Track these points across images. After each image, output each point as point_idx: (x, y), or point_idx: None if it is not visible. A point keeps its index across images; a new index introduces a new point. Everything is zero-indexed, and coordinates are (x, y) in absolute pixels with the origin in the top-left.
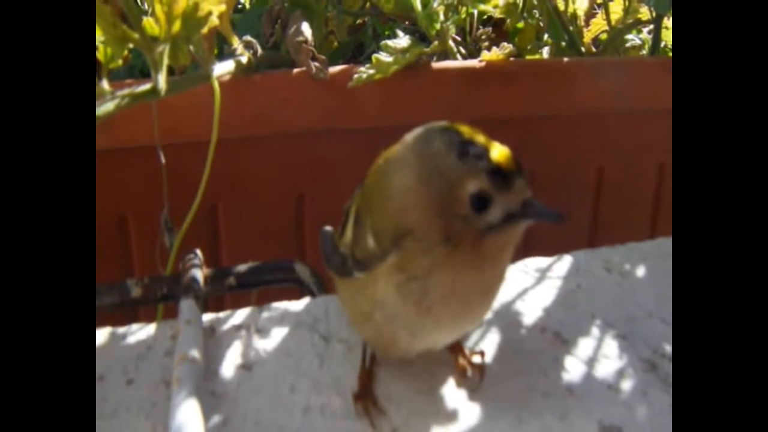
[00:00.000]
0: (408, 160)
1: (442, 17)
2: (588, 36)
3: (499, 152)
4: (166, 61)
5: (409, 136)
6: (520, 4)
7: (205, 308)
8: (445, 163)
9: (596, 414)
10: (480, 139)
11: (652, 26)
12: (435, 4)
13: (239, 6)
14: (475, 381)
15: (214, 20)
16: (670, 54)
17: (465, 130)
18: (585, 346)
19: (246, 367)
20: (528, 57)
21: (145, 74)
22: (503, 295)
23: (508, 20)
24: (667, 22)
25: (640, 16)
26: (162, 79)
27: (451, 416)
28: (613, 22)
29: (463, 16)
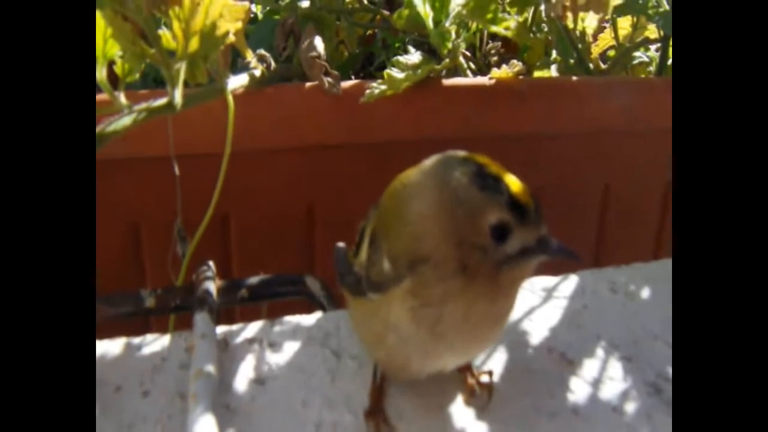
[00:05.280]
0: (427, 187)
1: (453, 35)
2: (596, 51)
3: (518, 187)
4: (182, 78)
5: (428, 163)
6: (530, 20)
7: (217, 320)
8: (466, 193)
9: None
10: (501, 172)
11: (659, 44)
12: (447, 23)
13: (252, 15)
14: (483, 400)
15: (231, 38)
16: None
17: (484, 161)
18: (590, 367)
19: (259, 381)
20: (537, 73)
21: (158, 83)
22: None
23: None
24: None
25: (647, 33)
26: (178, 95)
27: None
28: (621, 39)
29: (474, 31)
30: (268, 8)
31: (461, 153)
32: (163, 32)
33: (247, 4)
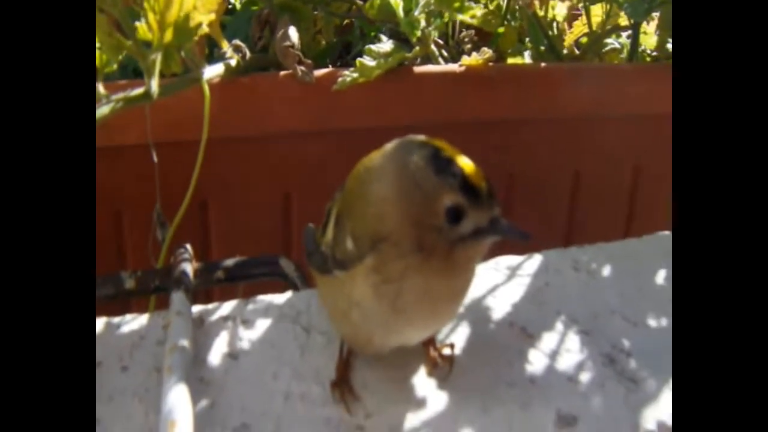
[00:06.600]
0: (387, 171)
1: (423, 24)
2: (570, 38)
3: (471, 170)
4: (158, 68)
5: (389, 147)
6: (504, 7)
7: (195, 300)
8: (423, 177)
9: (555, 403)
10: (456, 156)
11: (631, 31)
12: (416, 12)
13: (230, 6)
14: (445, 371)
15: (204, 29)
16: (648, 58)
17: (442, 146)
18: (549, 340)
19: (232, 356)
20: (510, 60)
21: (137, 73)
22: (475, 291)
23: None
24: (646, 27)
25: (619, 20)
26: (154, 84)
27: (421, 403)
28: (594, 26)
29: (446, 20)
30: None
31: (420, 137)
32: (139, 24)
33: None
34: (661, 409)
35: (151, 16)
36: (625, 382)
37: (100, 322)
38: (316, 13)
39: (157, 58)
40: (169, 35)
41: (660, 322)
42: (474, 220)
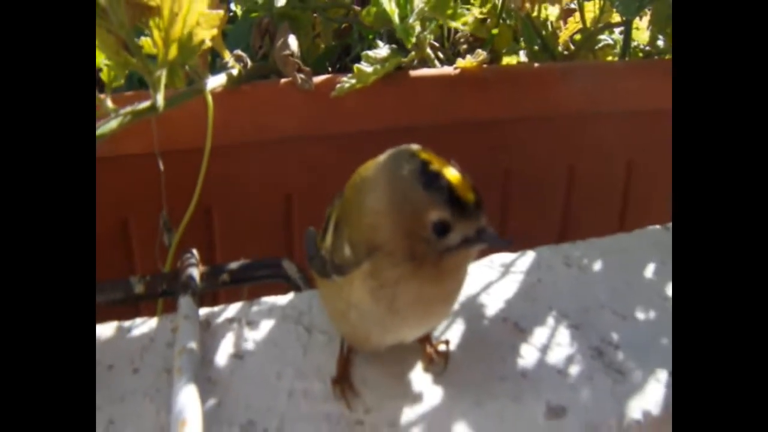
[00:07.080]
0: (380, 183)
1: (418, 29)
2: (565, 35)
3: (459, 183)
4: (163, 82)
5: (382, 159)
6: (499, 6)
7: (201, 302)
8: (412, 192)
9: (545, 396)
10: (443, 169)
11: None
12: (411, 19)
13: (230, 14)
14: (440, 367)
15: (207, 43)
16: (641, 54)
17: (430, 158)
18: (540, 335)
19: (238, 356)
20: (505, 59)
21: (142, 83)
22: (469, 288)
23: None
24: (638, 22)
25: (612, 17)
26: (160, 98)
27: (417, 398)
28: (588, 22)
29: (441, 22)
30: (246, 7)
31: (411, 148)
32: (145, 39)
33: (221, 12)
34: (647, 399)
35: (156, 33)
36: (613, 374)
37: (111, 326)
38: (315, 15)
39: (162, 74)
40: (173, 51)
41: (648, 315)
42: (461, 232)
